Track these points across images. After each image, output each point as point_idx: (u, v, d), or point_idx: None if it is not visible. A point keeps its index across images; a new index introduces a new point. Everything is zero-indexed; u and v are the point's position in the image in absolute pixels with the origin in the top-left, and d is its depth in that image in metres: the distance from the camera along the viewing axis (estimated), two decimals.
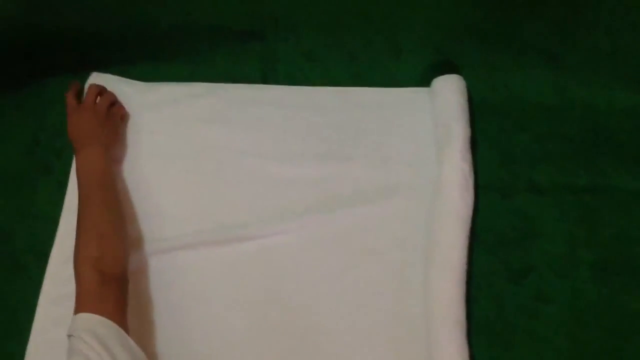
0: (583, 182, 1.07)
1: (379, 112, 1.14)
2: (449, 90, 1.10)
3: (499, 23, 1.10)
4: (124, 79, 1.16)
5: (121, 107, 1.11)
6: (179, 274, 1.01)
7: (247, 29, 1.16)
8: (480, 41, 1.14)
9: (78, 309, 0.80)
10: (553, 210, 1.05)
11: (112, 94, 1.10)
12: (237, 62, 1.18)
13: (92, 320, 0.78)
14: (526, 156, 1.10)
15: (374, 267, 1.01)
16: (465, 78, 1.13)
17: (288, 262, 1.02)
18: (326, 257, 1.02)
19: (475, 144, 1.08)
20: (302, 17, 1.16)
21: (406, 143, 1.11)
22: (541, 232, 1.04)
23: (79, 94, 1.10)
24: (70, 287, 0.85)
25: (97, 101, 1.07)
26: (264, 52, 1.18)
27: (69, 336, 0.77)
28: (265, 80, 1.17)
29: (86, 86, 1.13)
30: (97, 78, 1.15)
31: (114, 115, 1.08)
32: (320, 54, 1.18)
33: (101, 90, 1.09)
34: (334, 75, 1.18)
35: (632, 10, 1.07)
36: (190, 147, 1.11)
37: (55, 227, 1.05)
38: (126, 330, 0.80)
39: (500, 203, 1.06)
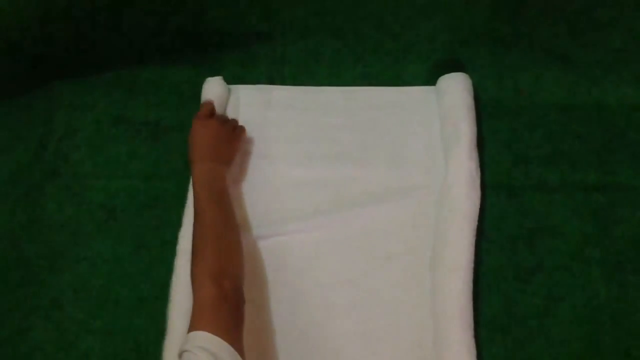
0: (594, 180, 1.06)
1: (389, 112, 1.13)
2: (455, 89, 1.09)
3: (509, 22, 1.10)
4: (242, 86, 1.17)
5: (244, 129, 1.10)
6: None
7: (255, 31, 1.16)
8: (490, 41, 1.14)
9: (194, 326, 0.76)
10: (563, 208, 1.04)
11: (234, 120, 1.11)
12: (245, 64, 1.19)
13: (208, 339, 0.74)
14: (537, 155, 1.09)
15: (387, 269, 1.01)
16: (476, 77, 1.13)
17: (298, 263, 1.02)
18: (338, 259, 1.02)
19: (484, 143, 1.08)
20: (310, 19, 1.16)
21: (417, 143, 1.10)
22: (551, 230, 1.03)
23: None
24: None
25: (226, 120, 1.09)
26: (271, 54, 1.18)
27: (183, 352, 0.74)
28: (272, 82, 1.16)
29: (202, 91, 1.14)
30: (211, 83, 1.15)
31: (238, 136, 1.08)
32: (327, 55, 1.18)
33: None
34: (342, 77, 1.18)
35: None
36: None
37: (64, 232, 1.05)
38: (241, 352, 0.77)
39: (510, 202, 1.05)
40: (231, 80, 1.16)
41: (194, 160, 0.99)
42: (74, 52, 1.16)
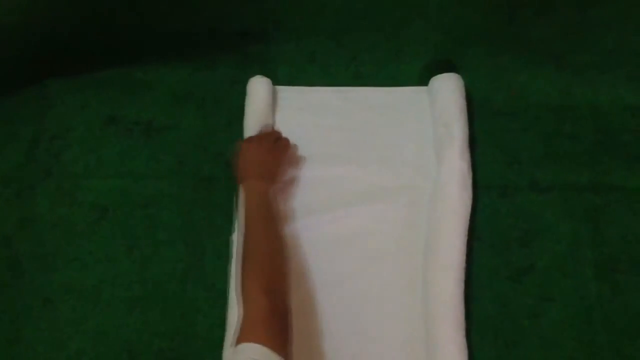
0: (586, 180, 1.06)
1: (382, 112, 1.14)
2: (447, 89, 1.09)
3: (503, 23, 1.10)
4: (286, 87, 1.17)
5: (286, 141, 1.09)
6: None
7: (247, 31, 1.16)
8: (484, 41, 1.14)
9: (247, 338, 0.75)
10: (556, 208, 1.04)
11: (278, 131, 1.10)
12: (238, 64, 1.18)
13: (261, 352, 0.73)
14: (530, 155, 1.09)
15: (379, 268, 1.01)
16: (469, 78, 1.13)
17: (290, 263, 1.01)
18: (330, 258, 1.02)
19: (476, 143, 1.08)
20: (303, 19, 1.16)
21: (409, 144, 1.11)
22: (544, 230, 1.03)
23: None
24: None
25: (269, 134, 1.08)
26: (264, 54, 1.18)
27: None
28: None
29: (248, 91, 1.14)
30: (256, 82, 1.14)
31: (283, 149, 1.07)
32: (321, 55, 1.18)
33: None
34: (335, 77, 1.18)
35: (636, 9, 1.07)
36: None
37: (56, 231, 1.05)
38: None
39: (502, 202, 1.05)
40: (224, 80, 1.16)
41: (242, 177, 0.98)
42: (66, 51, 1.16)
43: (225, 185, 1.08)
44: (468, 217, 1.00)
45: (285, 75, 1.17)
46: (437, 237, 0.98)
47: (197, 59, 1.18)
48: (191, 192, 1.08)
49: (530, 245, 1.02)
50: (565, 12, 1.10)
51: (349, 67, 1.17)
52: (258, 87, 1.14)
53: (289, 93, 1.17)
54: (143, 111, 1.15)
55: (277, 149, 1.05)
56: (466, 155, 1.04)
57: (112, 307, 1.01)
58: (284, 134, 1.09)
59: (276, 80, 1.16)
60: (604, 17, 1.11)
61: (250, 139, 1.05)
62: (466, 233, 0.99)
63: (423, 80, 1.15)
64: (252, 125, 1.10)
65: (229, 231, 1.04)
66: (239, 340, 0.75)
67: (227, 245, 1.03)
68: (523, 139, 1.11)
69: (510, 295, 0.99)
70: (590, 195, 1.05)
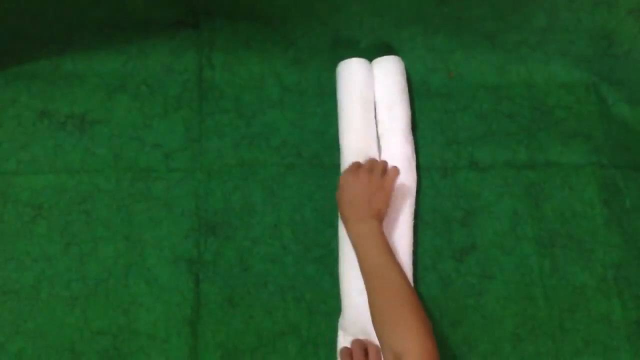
0: (524, 158, 1.08)
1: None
2: (389, 72, 1.09)
3: (436, 4, 1.10)
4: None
5: (395, 171, 0.98)
6: None
7: (180, 18, 1.14)
8: (418, 23, 1.14)
9: None
10: (496, 187, 1.06)
11: (383, 162, 1.01)
12: (172, 52, 1.16)
13: None
14: (468, 135, 1.10)
15: None
16: (406, 60, 1.13)
17: None
18: None
19: (416, 125, 1.09)
20: (237, 5, 1.14)
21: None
22: (484, 209, 1.05)
23: None
24: None
25: (373, 165, 0.99)
26: (199, 41, 1.16)
27: None
28: (201, 69, 1.14)
29: (339, 76, 1.10)
30: (350, 64, 1.09)
31: (390, 180, 0.97)
32: (257, 41, 1.16)
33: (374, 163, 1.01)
34: (273, 62, 1.16)
35: None
36: None
37: None
38: None
39: (443, 183, 1.06)
40: (158, 69, 1.14)
41: (350, 220, 0.92)
42: None
43: (163, 177, 1.06)
44: (414, 200, 1.01)
45: (220, 61, 1.15)
46: (385, 223, 0.98)
47: (129, 48, 1.14)
48: (129, 185, 1.06)
49: (471, 225, 1.04)
50: None
51: (287, 52, 1.16)
52: (351, 69, 1.09)
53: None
54: (75, 104, 1.12)
55: (386, 181, 0.96)
56: (410, 138, 1.04)
57: (51, 307, 0.99)
58: None
59: (212, 67, 1.14)
60: None
61: (356, 172, 0.96)
62: (413, 216, 1.00)
63: None
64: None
65: (168, 224, 1.03)
66: None
67: (168, 237, 1.03)
68: (461, 119, 1.12)
69: (453, 275, 1.00)
70: (529, 173, 1.07)
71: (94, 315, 0.98)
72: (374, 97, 1.08)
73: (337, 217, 1.02)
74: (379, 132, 1.06)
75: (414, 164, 1.04)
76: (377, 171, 0.96)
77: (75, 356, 0.96)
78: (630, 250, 1.02)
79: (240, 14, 1.13)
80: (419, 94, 1.13)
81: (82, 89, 1.13)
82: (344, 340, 0.95)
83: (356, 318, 0.93)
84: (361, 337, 0.93)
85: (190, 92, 1.13)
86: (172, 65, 1.15)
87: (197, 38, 1.15)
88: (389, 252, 0.87)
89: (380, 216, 0.93)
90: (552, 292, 0.99)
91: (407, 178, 1.02)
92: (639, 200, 1.05)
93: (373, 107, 1.07)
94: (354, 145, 1.03)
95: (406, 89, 1.09)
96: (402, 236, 0.98)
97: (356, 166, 0.98)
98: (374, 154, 1.03)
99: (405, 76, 1.10)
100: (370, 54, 1.12)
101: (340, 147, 1.05)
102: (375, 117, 1.07)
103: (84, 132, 1.10)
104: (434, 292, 0.99)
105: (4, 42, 1.12)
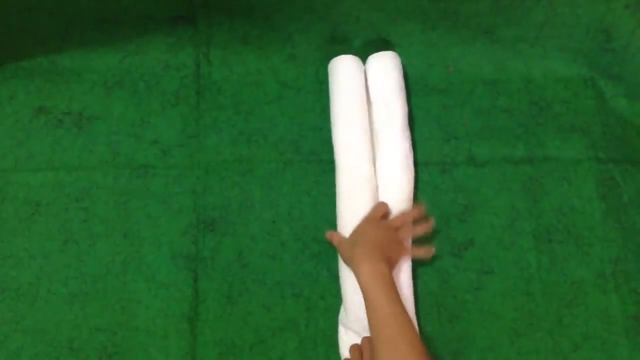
0: (522, 153, 1.08)
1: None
2: (385, 67, 1.09)
3: (435, 0, 1.10)
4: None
5: (409, 232, 0.99)
6: None
7: (177, 14, 1.13)
8: (416, 18, 1.13)
9: None
10: (494, 182, 1.06)
11: (406, 216, 1.00)
12: (169, 49, 1.15)
13: None
14: (466, 130, 1.10)
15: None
16: (404, 55, 1.13)
17: None
18: None
19: (414, 120, 1.09)
20: (234, 2, 1.13)
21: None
22: (483, 205, 1.05)
23: None
24: None
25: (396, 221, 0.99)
26: (196, 37, 1.15)
27: None
28: (198, 65, 1.14)
29: (331, 72, 1.10)
30: (341, 61, 1.09)
31: (405, 238, 0.99)
32: (254, 37, 1.16)
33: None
34: (270, 58, 1.16)
35: None
36: None
37: None
38: None
39: (441, 178, 1.06)
40: (156, 65, 1.14)
41: (364, 259, 0.89)
42: None
43: (161, 173, 1.06)
44: (412, 197, 1.01)
45: (218, 58, 1.15)
46: None
47: (127, 44, 1.14)
48: (126, 182, 1.06)
49: (469, 220, 1.04)
50: None
51: (284, 48, 1.16)
52: (342, 66, 1.09)
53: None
54: (73, 100, 1.11)
55: (402, 238, 0.98)
56: (407, 134, 1.04)
57: (50, 304, 0.99)
58: None
59: (209, 63, 1.14)
60: None
61: (381, 225, 0.97)
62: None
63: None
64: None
65: (166, 220, 1.03)
66: None
67: (166, 234, 1.02)
68: (459, 114, 1.12)
69: (452, 271, 1.01)
70: (527, 168, 1.07)
71: (93, 312, 0.98)
72: (370, 93, 1.07)
73: (335, 213, 1.02)
74: (376, 128, 1.05)
75: (411, 160, 1.03)
76: (395, 226, 0.97)
77: (74, 353, 0.96)
78: (629, 245, 1.02)
79: (238, 9, 1.12)
80: (416, 89, 1.13)
81: (79, 85, 1.13)
82: (346, 337, 0.95)
83: (359, 315, 0.93)
84: (364, 334, 0.93)
85: (187, 89, 1.13)
86: (170, 62, 1.15)
87: (194, 34, 1.15)
88: (399, 301, 0.85)
89: (392, 264, 0.92)
90: (550, 287, 0.99)
91: (404, 174, 1.01)
92: (637, 195, 1.05)
93: (365, 102, 1.06)
94: (346, 141, 1.03)
95: (403, 85, 1.08)
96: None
97: (382, 213, 0.98)
98: (367, 149, 1.03)
99: (401, 72, 1.10)
100: (367, 50, 1.12)
101: (333, 144, 1.05)
102: (372, 113, 1.07)
103: (81, 128, 1.10)
104: (432, 288, 0.99)
105: (1, 38, 1.12)
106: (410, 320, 0.82)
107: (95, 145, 1.08)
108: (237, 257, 1.02)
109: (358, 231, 0.95)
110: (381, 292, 0.85)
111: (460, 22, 1.12)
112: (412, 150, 1.04)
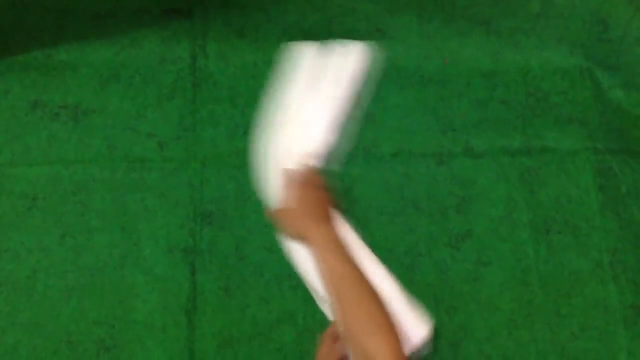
0: (519, 144, 1.08)
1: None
2: (344, 60, 1.04)
3: None
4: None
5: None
6: None
7: (172, 7, 1.13)
8: (412, 9, 1.13)
9: None
10: (491, 173, 1.06)
11: (309, 169, 0.99)
12: (165, 42, 1.15)
13: None
14: (463, 122, 1.10)
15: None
16: (400, 47, 1.13)
17: None
18: None
19: (410, 112, 1.09)
20: None
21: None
22: (480, 196, 1.05)
23: None
24: None
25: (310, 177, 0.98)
26: (192, 30, 1.15)
27: None
28: (194, 59, 1.14)
29: (295, 60, 1.07)
30: (302, 50, 1.07)
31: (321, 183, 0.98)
32: (250, 30, 1.16)
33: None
34: (266, 51, 1.16)
35: None
36: None
37: None
38: None
39: (439, 170, 1.06)
40: (151, 58, 1.13)
41: (310, 226, 0.89)
42: None
43: (158, 167, 1.06)
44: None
45: (214, 50, 1.15)
46: None
47: (122, 38, 1.14)
48: (123, 175, 1.06)
49: (467, 212, 1.04)
50: None
51: (280, 40, 1.15)
52: (303, 54, 1.07)
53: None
54: (69, 94, 1.11)
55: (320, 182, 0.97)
56: (334, 130, 1.01)
57: (47, 298, 0.99)
58: None
59: (206, 56, 1.14)
60: None
61: (315, 186, 0.96)
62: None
63: None
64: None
65: (163, 213, 1.03)
66: None
67: (163, 227, 1.02)
68: (456, 105, 1.12)
69: (449, 262, 1.01)
70: (524, 159, 1.07)
71: (90, 305, 0.98)
72: (322, 83, 1.05)
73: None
74: (307, 119, 1.03)
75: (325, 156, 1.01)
76: (309, 179, 0.96)
77: (72, 346, 0.96)
78: (626, 235, 1.02)
79: (234, 2, 1.12)
80: (413, 81, 1.13)
81: (75, 79, 1.12)
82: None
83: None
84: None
85: (184, 82, 1.13)
86: (166, 55, 1.14)
87: (190, 27, 1.14)
88: (348, 256, 0.85)
89: (330, 219, 0.92)
90: (547, 278, 0.99)
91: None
92: (634, 186, 1.05)
93: (306, 91, 1.05)
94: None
95: (358, 79, 1.04)
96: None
97: (290, 182, 0.96)
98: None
99: (365, 65, 1.05)
100: (363, 40, 1.11)
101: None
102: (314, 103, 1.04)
103: (77, 122, 1.09)
104: (430, 279, 0.99)
105: None
106: (362, 275, 0.83)
107: (91, 139, 1.08)
108: (234, 249, 1.02)
109: (289, 207, 0.93)
110: (331, 253, 0.86)
111: (456, 14, 1.12)
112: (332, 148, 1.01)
